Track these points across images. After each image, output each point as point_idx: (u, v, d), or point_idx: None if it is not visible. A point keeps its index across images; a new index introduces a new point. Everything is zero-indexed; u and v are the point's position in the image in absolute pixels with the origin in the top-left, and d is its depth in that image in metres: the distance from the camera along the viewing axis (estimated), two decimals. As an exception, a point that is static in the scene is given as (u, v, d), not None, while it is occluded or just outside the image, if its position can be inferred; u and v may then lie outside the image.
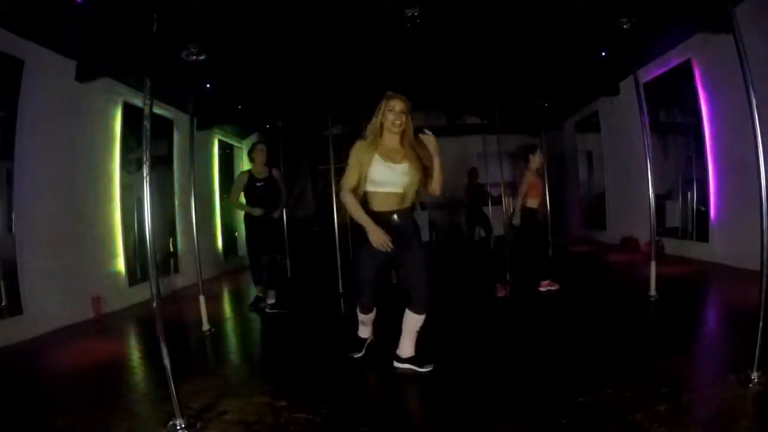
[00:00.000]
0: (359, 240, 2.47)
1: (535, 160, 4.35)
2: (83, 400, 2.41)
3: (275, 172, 4.39)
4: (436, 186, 2.48)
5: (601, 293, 3.88)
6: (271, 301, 4.38)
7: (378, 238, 2.32)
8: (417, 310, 2.50)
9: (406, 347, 2.59)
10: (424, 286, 2.47)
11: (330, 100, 5.27)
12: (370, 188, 2.43)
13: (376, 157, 2.40)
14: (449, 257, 7.86)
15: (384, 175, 2.40)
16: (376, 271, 2.54)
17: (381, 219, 2.40)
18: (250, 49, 4.86)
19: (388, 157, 2.41)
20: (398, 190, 2.43)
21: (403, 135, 2.43)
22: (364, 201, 2.46)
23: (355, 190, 2.42)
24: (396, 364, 2.61)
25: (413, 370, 2.55)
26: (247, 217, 4.37)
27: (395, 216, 2.43)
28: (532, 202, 4.33)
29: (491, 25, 4.79)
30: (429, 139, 2.46)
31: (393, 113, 2.38)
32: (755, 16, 3.89)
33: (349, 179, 2.41)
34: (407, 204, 2.48)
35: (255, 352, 3.46)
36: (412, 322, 2.53)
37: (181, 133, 6.22)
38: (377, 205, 2.43)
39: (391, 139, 2.44)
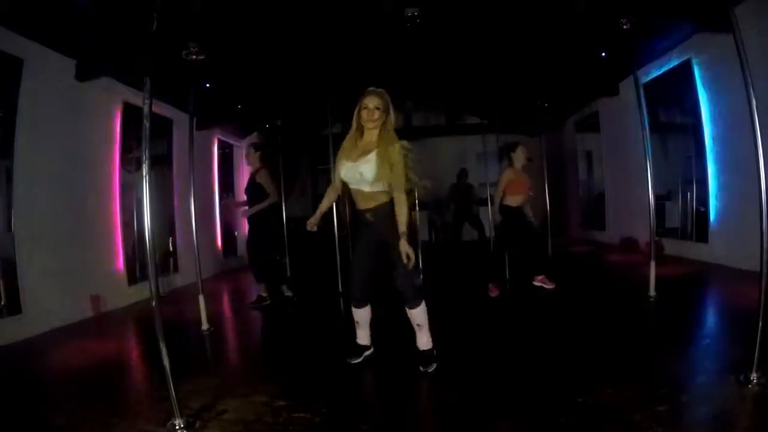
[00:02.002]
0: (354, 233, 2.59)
1: (519, 157, 4.29)
2: (82, 399, 2.41)
3: (260, 174, 4.41)
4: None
5: (601, 293, 3.87)
6: (287, 293, 4.70)
7: (309, 224, 2.62)
8: (407, 305, 2.55)
9: (419, 342, 2.64)
10: (405, 280, 2.48)
11: (330, 100, 5.26)
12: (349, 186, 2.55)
13: (344, 154, 2.51)
14: (448, 258, 7.86)
15: (346, 174, 2.49)
16: (365, 261, 2.59)
17: (360, 217, 2.55)
18: (250, 49, 4.85)
19: (349, 155, 2.48)
20: (363, 188, 2.45)
21: (380, 131, 2.45)
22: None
23: (335, 184, 2.63)
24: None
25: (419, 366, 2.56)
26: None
27: (368, 215, 2.49)
28: (513, 200, 4.27)
29: (491, 26, 4.78)
30: (397, 148, 2.39)
31: (366, 110, 2.43)
32: (755, 16, 3.89)
33: (334, 176, 2.60)
34: (381, 201, 2.46)
35: (254, 351, 3.45)
36: (411, 317, 2.59)
37: (180, 133, 6.21)
38: (357, 204, 2.55)
39: (369, 135, 2.48)
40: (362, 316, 2.72)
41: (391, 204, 2.43)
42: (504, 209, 4.31)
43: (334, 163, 2.63)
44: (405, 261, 2.35)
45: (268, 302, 4.51)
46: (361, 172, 2.39)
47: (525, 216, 4.38)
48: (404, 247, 2.34)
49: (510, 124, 7.88)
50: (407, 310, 2.57)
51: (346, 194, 2.64)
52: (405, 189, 2.39)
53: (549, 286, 4.31)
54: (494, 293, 4.28)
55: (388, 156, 2.35)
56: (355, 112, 2.48)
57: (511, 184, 4.24)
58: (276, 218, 5.16)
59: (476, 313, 3.96)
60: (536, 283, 4.36)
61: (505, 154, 4.39)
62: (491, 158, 7.35)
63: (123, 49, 3.94)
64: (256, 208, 4.35)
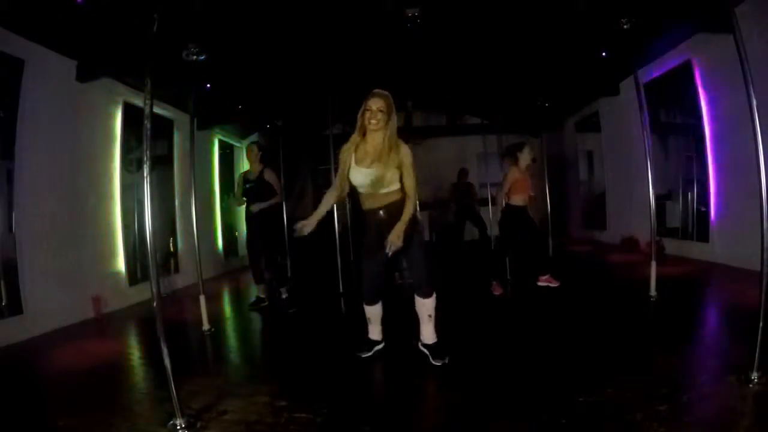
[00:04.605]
0: (361, 235, 2.64)
1: (525, 157, 4.31)
2: (83, 400, 2.41)
3: (267, 172, 4.45)
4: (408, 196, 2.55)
5: (601, 293, 3.87)
6: (284, 296, 4.72)
7: (300, 225, 2.51)
8: (420, 294, 2.62)
9: (427, 334, 2.69)
10: (420, 269, 2.61)
11: (330, 100, 5.26)
12: (358, 189, 2.57)
13: (352, 160, 2.51)
14: (448, 257, 7.86)
15: (357, 179, 2.51)
16: (377, 260, 2.60)
17: (369, 217, 2.58)
18: (250, 49, 4.86)
19: (361, 160, 2.50)
20: (378, 190, 2.50)
21: (384, 133, 2.44)
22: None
23: (339, 188, 2.58)
24: (420, 346, 2.72)
25: (426, 357, 2.63)
26: (245, 216, 4.63)
27: (381, 212, 2.53)
28: (517, 199, 4.30)
29: (492, 25, 4.79)
30: (405, 151, 2.50)
31: (370, 112, 2.42)
32: (755, 16, 3.89)
33: (337, 179, 2.60)
34: (393, 199, 2.52)
35: (255, 351, 3.46)
36: (421, 307, 2.65)
37: (181, 133, 6.22)
38: (364, 205, 2.59)
39: (373, 138, 2.48)
40: (375, 312, 2.81)
41: (402, 200, 2.53)
42: (508, 208, 4.34)
43: (337, 167, 2.62)
44: (391, 242, 2.39)
45: (266, 303, 4.52)
46: (377, 177, 2.44)
47: (528, 216, 4.39)
48: (400, 229, 2.41)
49: (511, 124, 7.89)
50: (419, 299, 2.64)
51: (347, 197, 2.71)
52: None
53: (554, 284, 4.34)
54: (498, 291, 4.32)
55: (400, 159, 2.45)
56: (359, 115, 2.47)
57: (516, 184, 4.26)
58: (279, 218, 5.17)
59: (477, 312, 3.96)
60: (541, 283, 4.38)
61: (510, 153, 4.37)
62: (492, 158, 7.35)
63: (123, 49, 3.94)
64: (264, 204, 4.40)
